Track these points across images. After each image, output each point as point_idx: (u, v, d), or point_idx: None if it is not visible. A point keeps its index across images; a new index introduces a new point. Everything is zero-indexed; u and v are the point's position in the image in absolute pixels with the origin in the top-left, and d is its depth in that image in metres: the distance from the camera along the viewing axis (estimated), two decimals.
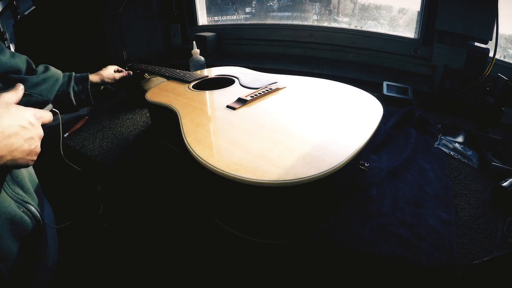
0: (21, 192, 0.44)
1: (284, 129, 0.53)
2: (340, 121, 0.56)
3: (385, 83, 0.99)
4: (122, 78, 0.84)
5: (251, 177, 0.39)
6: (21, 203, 0.43)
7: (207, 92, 0.72)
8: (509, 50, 0.99)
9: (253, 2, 1.41)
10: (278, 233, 0.47)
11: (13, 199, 0.41)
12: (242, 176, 0.40)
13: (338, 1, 1.24)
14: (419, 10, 1.08)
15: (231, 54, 1.41)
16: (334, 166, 0.41)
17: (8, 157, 0.34)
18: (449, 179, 0.61)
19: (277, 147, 0.47)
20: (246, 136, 0.50)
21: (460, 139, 0.76)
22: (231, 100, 0.65)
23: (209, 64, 1.12)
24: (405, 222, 0.51)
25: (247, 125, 0.54)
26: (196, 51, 1.03)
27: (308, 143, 0.47)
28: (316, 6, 1.29)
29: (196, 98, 0.69)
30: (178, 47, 1.49)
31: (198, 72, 0.90)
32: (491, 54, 0.86)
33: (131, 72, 0.88)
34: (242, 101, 0.64)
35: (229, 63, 1.29)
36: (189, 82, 0.79)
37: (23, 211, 0.42)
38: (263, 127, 0.53)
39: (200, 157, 0.44)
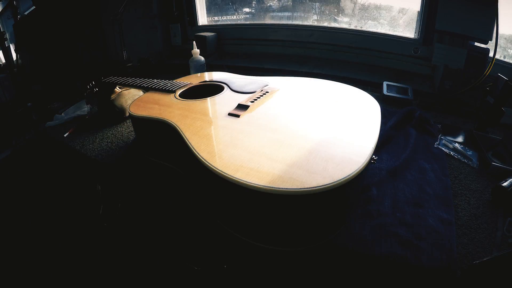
0: None
1: (298, 133, 0.52)
2: (345, 118, 0.57)
3: (385, 83, 0.99)
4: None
5: (294, 188, 0.38)
6: None
7: (200, 100, 0.68)
8: (509, 50, 0.99)
9: (253, 2, 1.41)
10: (305, 239, 0.46)
11: None
12: (287, 188, 0.38)
13: (338, 1, 1.24)
14: (419, 10, 1.07)
15: (231, 54, 1.41)
16: (362, 164, 0.42)
17: None
18: (449, 179, 0.61)
19: (300, 151, 0.46)
20: (265, 144, 0.48)
21: (460, 139, 0.76)
22: (230, 107, 0.63)
23: (209, 64, 1.12)
24: (405, 222, 0.51)
25: (259, 132, 0.52)
26: (196, 51, 1.02)
27: (328, 145, 0.48)
28: (316, 6, 1.29)
29: (190, 108, 0.64)
30: (178, 47, 1.49)
31: (178, 80, 0.83)
32: (491, 54, 0.86)
33: None
34: (243, 107, 0.62)
35: (229, 63, 1.30)
36: (173, 92, 0.74)
37: None
38: (277, 133, 0.52)
39: (226, 174, 0.41)
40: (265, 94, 0.69)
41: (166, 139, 0.62)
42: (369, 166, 0.62)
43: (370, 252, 0.46)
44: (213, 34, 1.34)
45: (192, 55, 1.02)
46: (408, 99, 0.92)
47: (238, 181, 0.40)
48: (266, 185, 0.39)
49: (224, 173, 0.41)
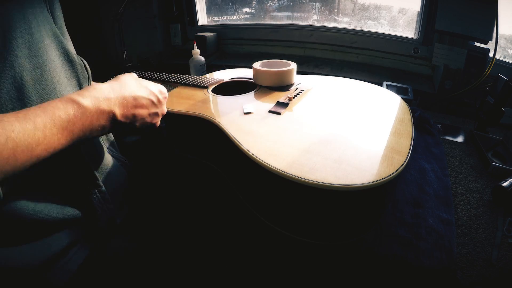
0: (112, 149, 0.52)
1: (340, 131, 0.52)
2: (379, 118, 0.58)
3: (385, 83, 0.99)
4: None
5: (347, 184, 0.39)
6: (117, 157, 0.51)
7: (237, 97, 0.67)
8: (509, 50, 0.99)
9: (253, 2, 1.41)
10: (345, 233, 0.46)
11: (109, 154, 0.49)
12: (341, 184, 0.39)
13: (338, 1, 1.24)
14: (419, 10, 1.08)
15: (231, 54, 1.41)
16: (403, 163, 0.43)
17: (130, 124, 0.39)
18: (449, 179, 0.61)
19: (347, 149, 0.46)
20: (312, 142, 0.48)
21: (460, 139, 0.76)
22: (269, 104, 0.63)
23: (209, 64, 1.12)
24: (405, 222, 0.51)
25: (303, 130, 0.52)
26: (196, 51, 1.03)
27: (370, 143, 0.49)
28: (316, 6, 1.29)
29: (228, 104, 0.64)
30: (178, 47, 1.49)
31: (207, 75, 0.83)
32: (491, 54, 0.86)
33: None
34: (283, 105, 0.61)
35: (229, 63, 1.30)
36: (205, 87, 0.73)
37: (120, 164, 0.51)
38: (320, 131, 0.52)
39: (279, 170, 0.41)
40: (300, 92, 0.69)
41: (204, 135, 0.62)
42: None
43: (369, 252, 0.46)
44: (213, 34, 1.34)
45: (192, 55, 1.02)
46: (408, 99, 0.92)
47: (293, 177, 0.40)
48: (321, 181, 0.39)
49: (278, 169, 0.41)
